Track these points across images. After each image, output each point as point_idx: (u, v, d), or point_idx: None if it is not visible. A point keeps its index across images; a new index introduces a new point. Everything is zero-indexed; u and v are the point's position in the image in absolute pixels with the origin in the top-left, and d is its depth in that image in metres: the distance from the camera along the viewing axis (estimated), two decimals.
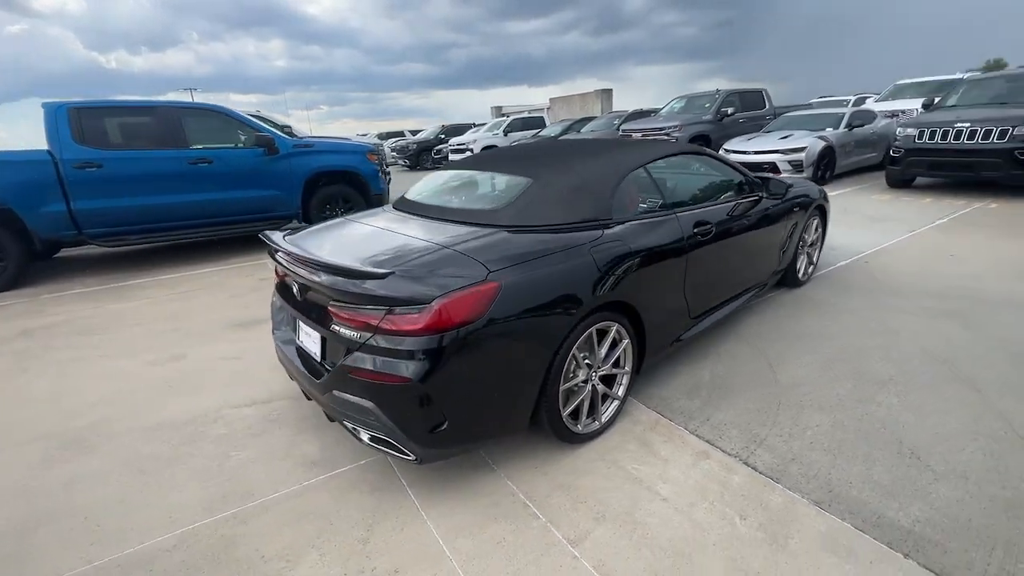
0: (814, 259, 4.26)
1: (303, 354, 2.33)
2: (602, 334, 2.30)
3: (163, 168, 5.59)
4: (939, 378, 2.69)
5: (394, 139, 22.75)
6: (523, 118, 16.69)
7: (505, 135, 15.81)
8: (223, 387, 3.01)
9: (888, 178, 7.93)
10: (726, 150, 9.30)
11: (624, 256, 2.31)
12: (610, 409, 2.44)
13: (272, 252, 2.43)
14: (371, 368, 1.85)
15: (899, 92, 12.03)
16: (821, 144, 8.36)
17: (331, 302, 1.98)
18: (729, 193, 3.20)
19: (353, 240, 2.44)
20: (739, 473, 2.11)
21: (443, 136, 18.75)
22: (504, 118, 17.53)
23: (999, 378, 2.65)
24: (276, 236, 2.44)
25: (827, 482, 2.03)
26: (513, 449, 2.31)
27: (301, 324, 2.32)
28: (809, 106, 13.62)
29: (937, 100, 8.09)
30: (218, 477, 2.22)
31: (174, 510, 2.03)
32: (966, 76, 11.02)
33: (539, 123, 16.59)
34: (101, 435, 2.58)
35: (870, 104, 11.47)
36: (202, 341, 3.71)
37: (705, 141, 10.31)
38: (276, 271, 2.59)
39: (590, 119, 15.10)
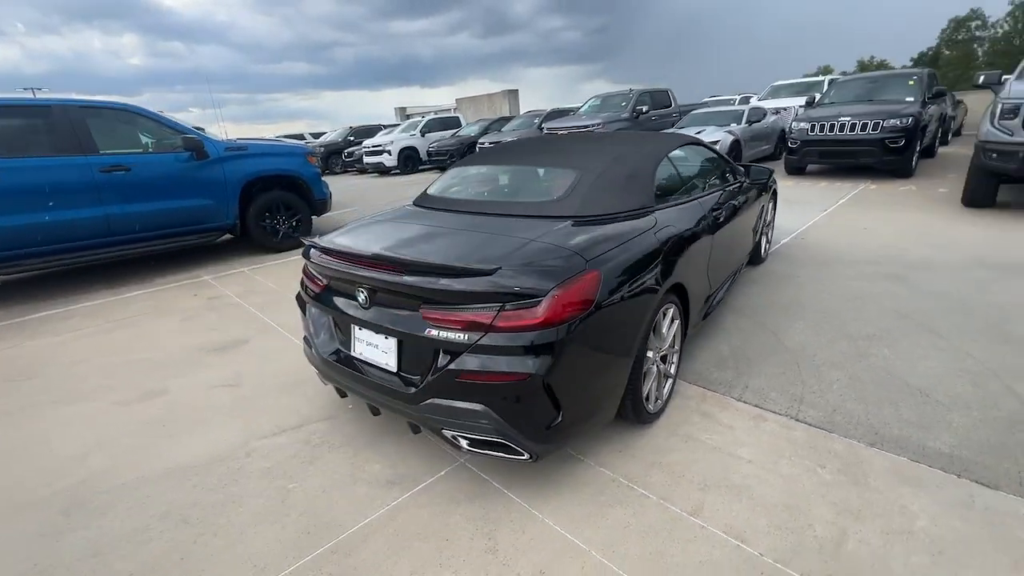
0: (769, 237, 4.75)
1: (362, 365, 2.16)
2: (663, 315, 2.40)
3: (66, 178, 4.74)
4: (909, 330, 3.17)
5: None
6: (440, 118, 16.47)
7: (422, 135, 15.50)
8: (233, 418, 2.67)
9: (786, 166, 9.03)
10: None
11: (677, 239, 2.43)
12: (667, 387, 2.55)
13: (318, 255, 2.23)
14: (485, 369, 1.77)
15: (775, 92, 13.73)
16: (731, 138, 9.30)
17: (422, 305, 1.86)
18: (722, 179, 3.48)
19: (415, 239, 2.30)
20: (796, 429, 2.32)
21: (352, 138, 17.91)
22: (419, 118, 17.16)
23: (954, 326, 3.18)
24: (326, 239, 2.24)
25: (871, 426, 2.31)
26: (587, 438, 2.34)
27: (361, 333, 2.14)
28: (704, 105, 15.01)
29: (818, 97, 9.37)
30: (290, 514, 1.98)
31: (255, 558, 1.79)
32: (828, 79, 12.86)
33: (455, 123, 16.48)
34: (107, 491, 2.17)
35: (755, 103, 12.94)
36: (178, 372, 3.24)
37: None
38: (312, 279, 2.36)
39: (508, 118, 15.33)
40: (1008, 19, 33.82)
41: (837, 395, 2.56)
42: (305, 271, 2.47)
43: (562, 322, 1.76)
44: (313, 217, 6.54)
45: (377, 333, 2.07)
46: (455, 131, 15.75)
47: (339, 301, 2.21)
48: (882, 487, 1.95)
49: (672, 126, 11.14)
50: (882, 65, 44.34)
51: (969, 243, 4.72)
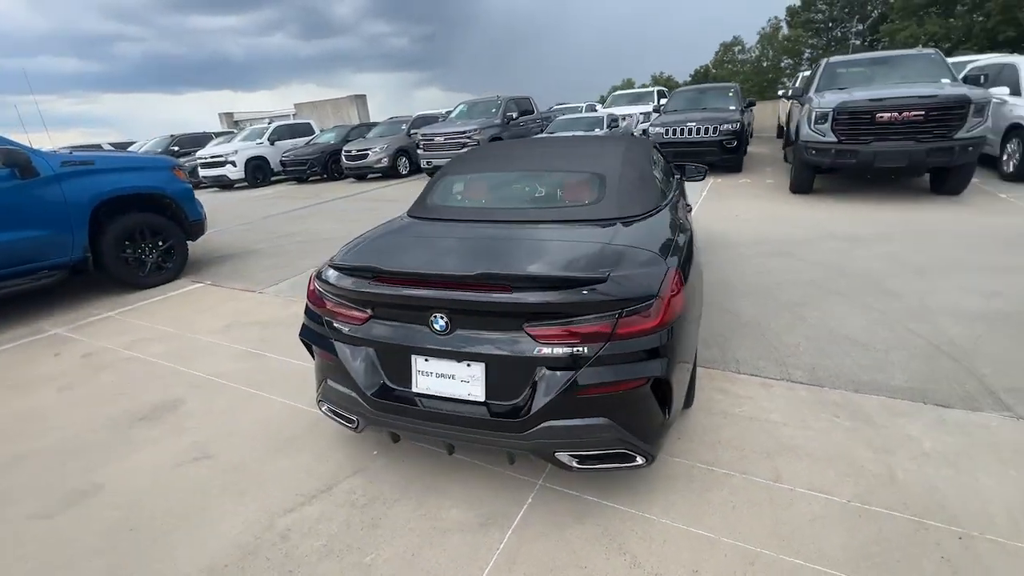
0: None
1: (429, 401, 1.91)
2: None
3: None
4: (821, 295, 3.87)
5: None
6: (290, 125, 14.93)
7: (271, 144, 13.91)
8: (234, 498, 2.14)
9: None
10: None
11: (688, 234, 2.63)
12: None
13: (361, 283, 1.91)
14: (609, 380, 1.72)
15: (616, 100, 15.45)
16: None
17: (527, 322, 1.73)
18: (672, 176, 3.83)
19: (472, 252, 2.12)
20: (798, 390, 2.70)
21: (176, 148, 15.29)
22: (261, 125, 15.34)
23: (848, 287, 3.97)
24: (357, 263, 1.92)
25: (845, 376, 2.78)
26: None
27: (428, 365, 1.90)
28: (556, 112, 16.12)
29: (664, 104, 10.79)
30: None
31: None
32: (657, 90, 14.84)
33: (307, 130, 15.12)
34: None
35: (602, 110, 14.38)
36: (104, 457, 2.46)
37: (499, 141, 11.29)
38: (342, 311, 2.02)
39: (369, 124, 14.60)
40: (757, 46, 43.45)
41: (807, 356, 3.02)
42: (323, 304, 2.10)
43: (670, 321, 1.79)
44: (188, 242, 5.46)
45: (458, 361, 1.86)
46: (310, 138, 14.46)
47: (392, 331, 1.93)
48: (886, 423, 2.38)
49: (541, 131, 11.79)
50: (670, 80, 52.45)
51: (815, 221, 5.92)
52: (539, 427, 1.76)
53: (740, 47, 44.71)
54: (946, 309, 3.44)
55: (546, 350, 1.73)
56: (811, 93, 7.29)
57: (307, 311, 2.23)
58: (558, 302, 1.70)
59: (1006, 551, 1.68)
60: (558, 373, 1.75)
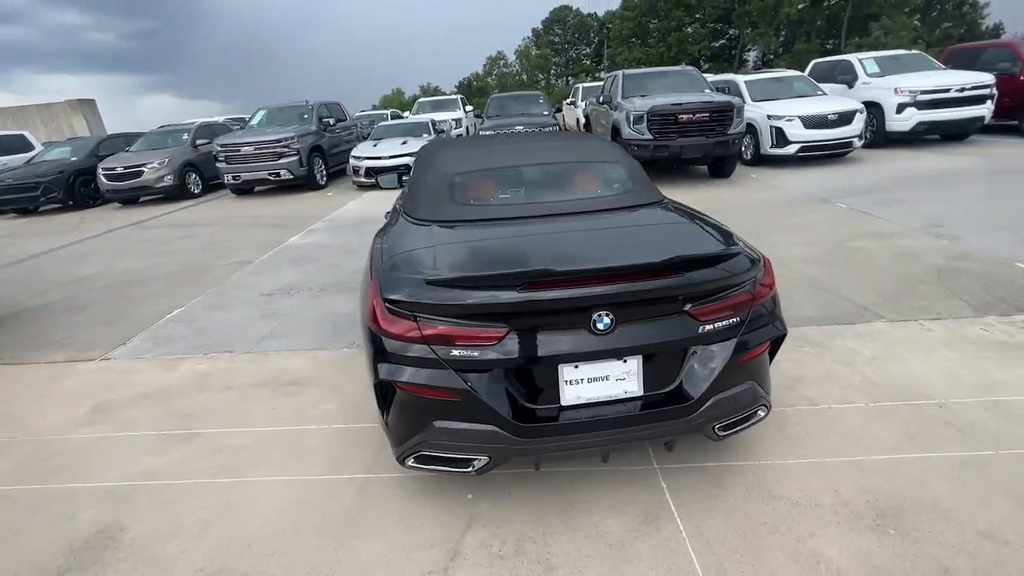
0: None
1: (581, 412, 1.77)
2: None
3: None
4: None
5: None
6: None
7: None
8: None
9: None
10: (356, 157, 9.75)
11: None
12: None
13: (503, 295, 1.63)
14: (755, 343, 1.87)
15: (422, 107, 15.55)
16: None
17: (690, 304, 1.75)
18: None
19: (570, 246, 1.99)
20: (845, 334, 3.16)
21: None
22: None
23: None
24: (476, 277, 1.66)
25: (850, 311, 3.41)
26: None
27: (579, 371, 1.76)
28: (357, 120, 15.37)
29: (485, 110, 11.30)
30: None
31: None
32: (460, 97, 15.42)
33: (23, 145, 11.13)
34: None
35: (413, 118, 14.29)
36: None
37: (319, 151, 10.27)
38: (470, 335, 1.69)
39: (128, 135, 11.53)
40: (516, 61, 48.93)
41: (807, 303, 3.60)
42: (427, 330, 1.71)
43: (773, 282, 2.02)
44: None
45: (617, 359, 1.75)
46: (30, 156, 10.71)
47: (533, 344, 1.70)
48: (832, 344, 3.07)
49: (365, 138, 11.14)
50: (437, 90, 54.89)
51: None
52: (708, 404, 1.79)
53: (504, 61, 49.49)
54: (794, 258, 4.54)
55: (708, 327, 1.77)
56: (620, 99, 8.62)
57: (386, 348, 1.78)
58: (718, 278, 1.76)
59: (970, 406, 2.39)
60: (715, 347, 1.81)
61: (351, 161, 9.88)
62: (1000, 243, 4.41)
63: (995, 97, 9.17)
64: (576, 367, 1.75)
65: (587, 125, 11.75)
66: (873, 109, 9.31)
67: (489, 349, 1.69)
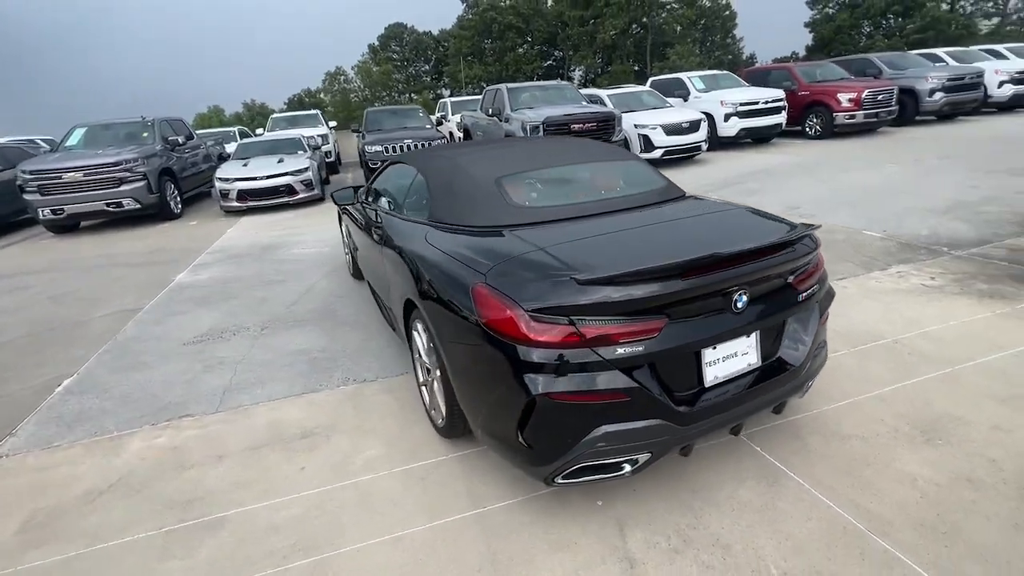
0: None
1: (719, 391, 1.87)
2: None
3: None
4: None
5: None
6: None
7: None
8: None
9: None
10: (223, 179, 8.52)
11: None
12: None
13: (653, 287, 1.64)
14: (826, 305, 2.16)
15: (275, 124, 14.18)
16: (314, 163, 9.35)
17: (794, 276, 1.96)
18: None
19: (665, 236, 2.08)
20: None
21: None
22: None
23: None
24: (629, 272, 1.64)
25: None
26: None
27: (716, 351, 1.85)
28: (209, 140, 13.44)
29: (361, 128, 10.75)
30: None
31: None
32: (318, 112, 14.44)
33: None
34: None
35: (272, 136, 12.95)
36: None
37: (170, 174, 8.75)
38: (638, 325, 1.68)
39: None
40: (356, 76, 47.18)
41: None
42: (586, 333, 1.63)
43: None
44: None
45: (747, 336, 1.88)
46: None
47: (682, 331, 1.74)
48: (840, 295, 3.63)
49: (216, 157, 9.77)
50: (263, 108, 50.73)
51: None
52: (809, 364, 2.01)
53: (344, 76, 47.38)
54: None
55: (803, 295, 1.99)
56: (510, 111, 8.95)
57: (537, 360, 1.64)
58: (809, 251, 1.99)
59: (913, 339, 3.03)
60: (807, 313, 2.04)
61: (217, 184, 8.59)
62: (845, 217, 5.60)
63: (787, 108, 11.64)
64: (715, 348, 1.83)
65: (466, 137, 11.90)
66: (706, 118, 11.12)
67: (650, 342, 1.68)
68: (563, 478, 1.75)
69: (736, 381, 1.89)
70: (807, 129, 12.15)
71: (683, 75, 12.60)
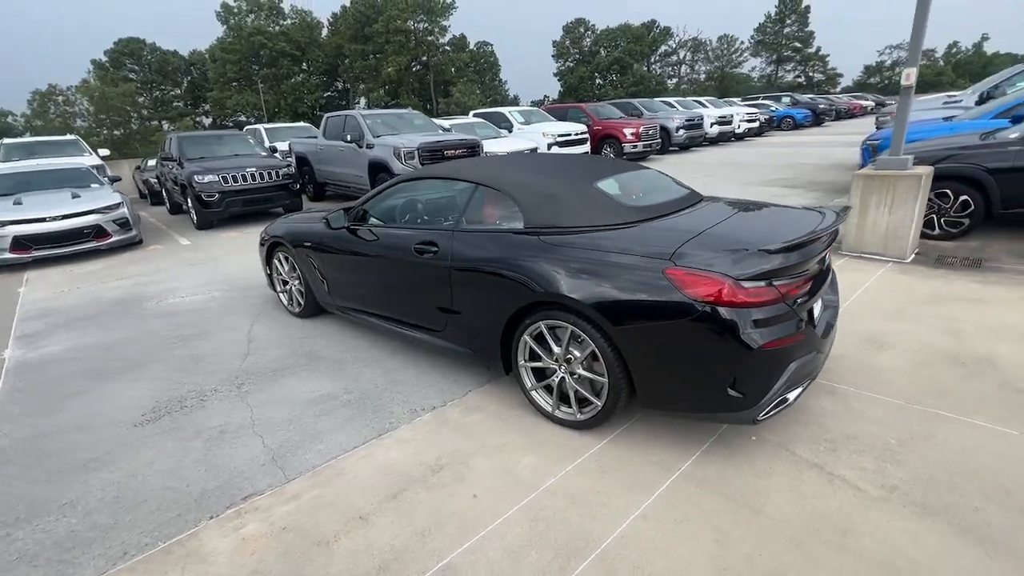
0: None
1: (819, 330, 2.52)
2: None
3: None
4: None
5: None
6: None
7: None
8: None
9: (200, 221, 8.47)
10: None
11: None
12: None
13: (794, 254, 2.17)
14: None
15: (7, 153, 10.67)
16: (127, 198, 7.46)
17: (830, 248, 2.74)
18: None
19: (729, 224, 2.57)
20: None
21: None
22: None
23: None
24: (763, 255, 2.15)
25: None
26: None
27: (817, 301, 2.48)
28: None
29: (178, 153, 8.97)
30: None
31: None
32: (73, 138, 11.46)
33: None
34: None
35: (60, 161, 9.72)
36: None
37: None
38: (802, 282, 2.19)
39: None
40: (81, 96, 37.49)
41: None
42: (778, 290, 2.08)
43: None
44: None
45: (820, 296, 2.55)
46: None
47: (808, 289, 2.31)
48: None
49: None
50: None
51: None
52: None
53: (63, 97, 37.00)
54: None
55: (828, 263, 2.77)
56: (373, 138, 8.73)
57: (753, 318, 2.01)
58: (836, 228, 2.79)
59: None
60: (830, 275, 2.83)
61: None
62: None
63: (589, 139, 14.01)
64: (817, 298, 2.45)
65: (301, 165, 10.89)
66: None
67: (806, 292, 2.21)
68: (764, 415, 2.13)
69: (820, 324, 2.54)
70: (603, 156, 14.79)
71: (504, 109, 14.01)
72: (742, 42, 62.77)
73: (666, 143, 15.68)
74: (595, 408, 2.42)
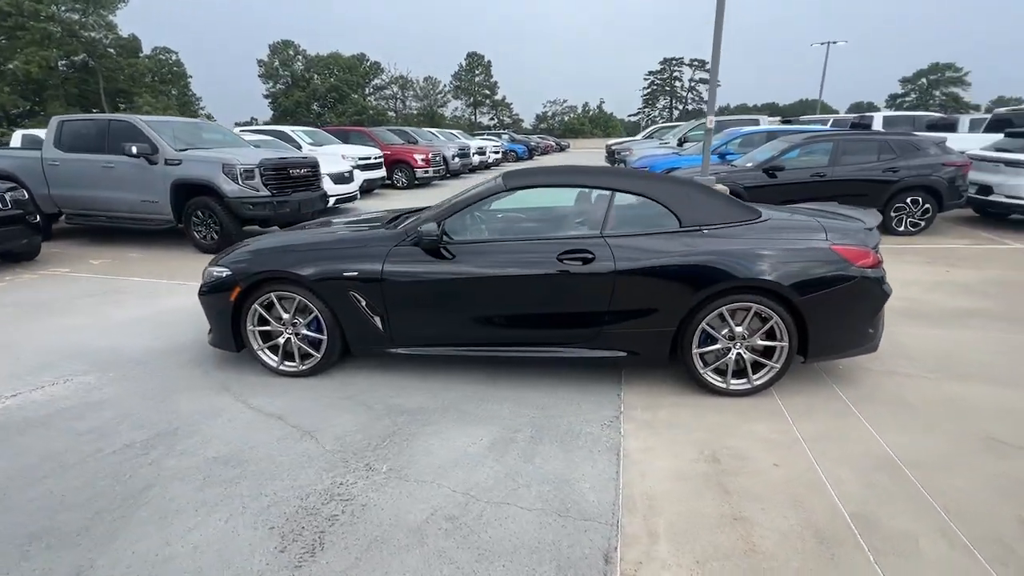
0: None
1: None
2: None
3: None
4: None
5: None
6: None
7: None
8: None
9: None
10: None
11: None
12: None
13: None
14: None
15: None
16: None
17: None
18: None
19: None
20: None
21: None
22: None
23: None
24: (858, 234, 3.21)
25: None
26: None
27: None
28: None
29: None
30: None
31: None
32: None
33: None
34: None
35: None
36: None
37: None
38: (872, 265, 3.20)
39: None
40: None
41: None
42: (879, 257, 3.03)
43: None
44: None
45: None
46: None
47: None
48: None
49: None
50: None
51: None
52: None
53: None
54: None
55: None
56: (173, 153, 6.73)
57: (883, 276, 2.89)
58: None
59: None
60: None
61: None
62: None
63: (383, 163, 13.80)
64: None
65: None
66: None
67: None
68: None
69: None
70: (395, 182, 14.71)
71: (286, 128, 12.48)
72: (445, 84, 70.33)
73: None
74: (771, 371, 2.91)
